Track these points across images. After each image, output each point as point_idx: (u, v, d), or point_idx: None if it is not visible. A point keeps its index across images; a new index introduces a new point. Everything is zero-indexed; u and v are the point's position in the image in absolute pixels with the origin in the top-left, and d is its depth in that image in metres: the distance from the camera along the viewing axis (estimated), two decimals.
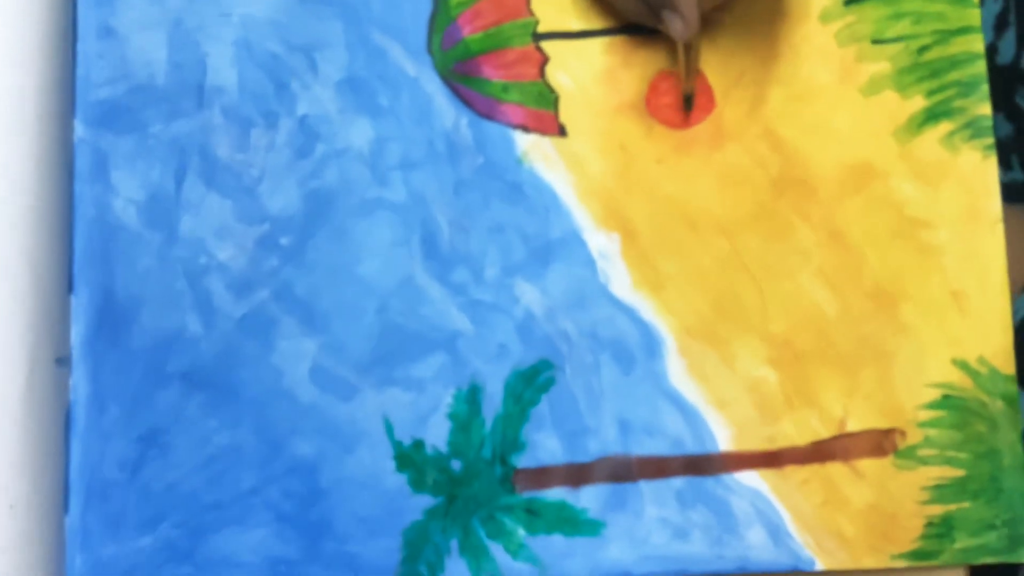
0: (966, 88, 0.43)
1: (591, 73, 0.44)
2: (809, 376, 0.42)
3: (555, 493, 0.42)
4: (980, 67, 0.44)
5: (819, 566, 0.42)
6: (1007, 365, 0.42)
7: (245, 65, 0.43)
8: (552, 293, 0.43)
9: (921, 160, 0.43)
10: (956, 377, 0.42)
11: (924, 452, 0.42)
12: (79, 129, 0.42)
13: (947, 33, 0.44)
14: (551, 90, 0.44)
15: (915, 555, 0.42)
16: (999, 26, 0.49)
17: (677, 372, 0.43)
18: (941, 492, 0.42)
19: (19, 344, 0.42)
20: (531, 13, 0.44)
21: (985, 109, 0.43)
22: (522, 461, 0.42)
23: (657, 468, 0.42)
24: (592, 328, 0.43)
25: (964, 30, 0.44)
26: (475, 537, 0.42)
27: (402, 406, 0.42)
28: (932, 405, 0.42)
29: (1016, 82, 0.48)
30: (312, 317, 0.42)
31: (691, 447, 0.42)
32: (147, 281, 0.42)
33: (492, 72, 0.44)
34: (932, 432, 0.42)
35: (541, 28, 0.44)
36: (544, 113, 0.43)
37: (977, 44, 0.44)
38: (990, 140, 0.43)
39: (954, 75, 0.44)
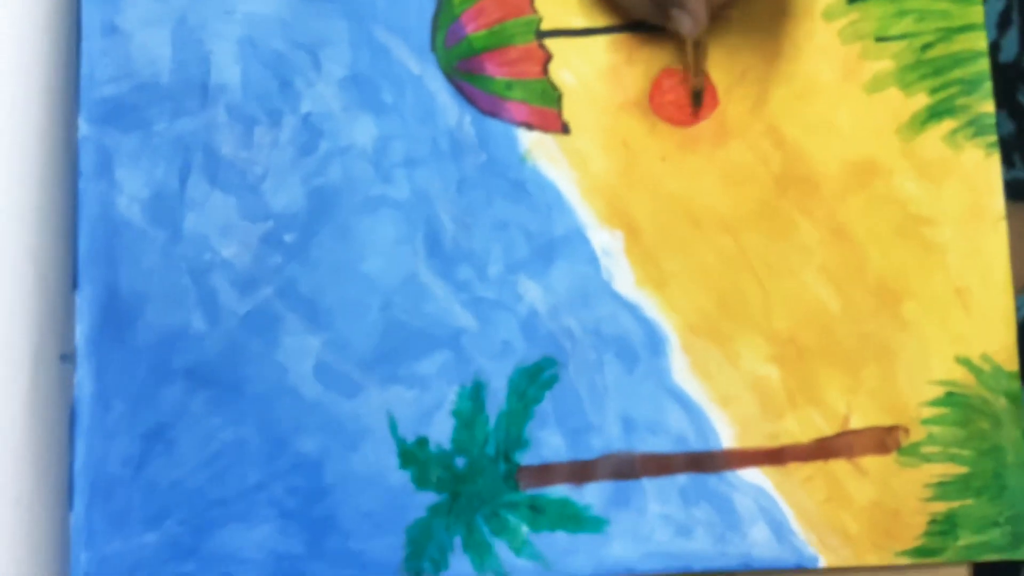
0: (969, 86, 0.44)
1: (594, 71, 0.44)
2: (812, 373, 0.42)
3: (558, 490, 0.42)
4: (983, 65, 0.44)
5: (822, 563, 0.42)
6: (1010, 362, 0.42)
7: (249, 63, 0.43)
8: (556, 290, 0.43)
9: (924, 158, 0.43)
10: (959, 374, 0.42)
11: (927, 449, 0.42)
12: (83, 127, 0.42)
13: (950, 31, 0.44)
14: (554, 88, 0.44)
15: (918, 552, 0.42)
16: (1002, 24, 0.49)
17: (680, 369, 0.43)
18: (944, 489, 0.42)
19: (24, 341, 0.42)
20: (534, 11, 0.44)
21: (988, 107, 0.43)
22: (526, 458, 0.42)
23: (660, 465, 0.42)
24: (595, 325, 0.43)
25: (967, 28, 0.44)
26: (479, 534, 0.42)
27: (406, 403, 0.42)
28: (935, 402, 0.42)
29: (1019, 80, 0.48)
30: (316, 314, 0.42)
31: (694, 444, 0.42)
32: (151, 278, 0.42)
33: (496, 70, 0.44)
34: (935, 429, 0.42)
35: (544, 26, 0.44)
36: (547, 111, 0.43)
37: (980, 42, 0.44)
38: (993, 138, 0.43)
39: (957, 73, 0.44)
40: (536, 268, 0.43)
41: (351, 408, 0.42)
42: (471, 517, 0.42)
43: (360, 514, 0.41)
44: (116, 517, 0.41)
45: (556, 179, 0.43)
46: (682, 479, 0.42)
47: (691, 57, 0.42)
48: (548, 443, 0.42)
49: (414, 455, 0.42)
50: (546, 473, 0.42)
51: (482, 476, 0.42)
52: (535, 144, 0.43)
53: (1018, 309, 0.43)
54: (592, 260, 0.43)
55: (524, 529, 0.42)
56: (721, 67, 0.44)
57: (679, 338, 0.43)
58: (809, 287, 0.43)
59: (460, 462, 0.42)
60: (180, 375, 0.42)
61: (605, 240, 0.43)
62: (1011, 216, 0.43)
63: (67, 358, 0.43)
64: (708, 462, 0.42)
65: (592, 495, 0.42)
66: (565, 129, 0.43)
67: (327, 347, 0.42)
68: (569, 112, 0.44)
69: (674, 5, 0.40)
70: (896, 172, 0.43)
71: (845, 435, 0.42)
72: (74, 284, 0.42)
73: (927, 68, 0.44)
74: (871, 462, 0.42)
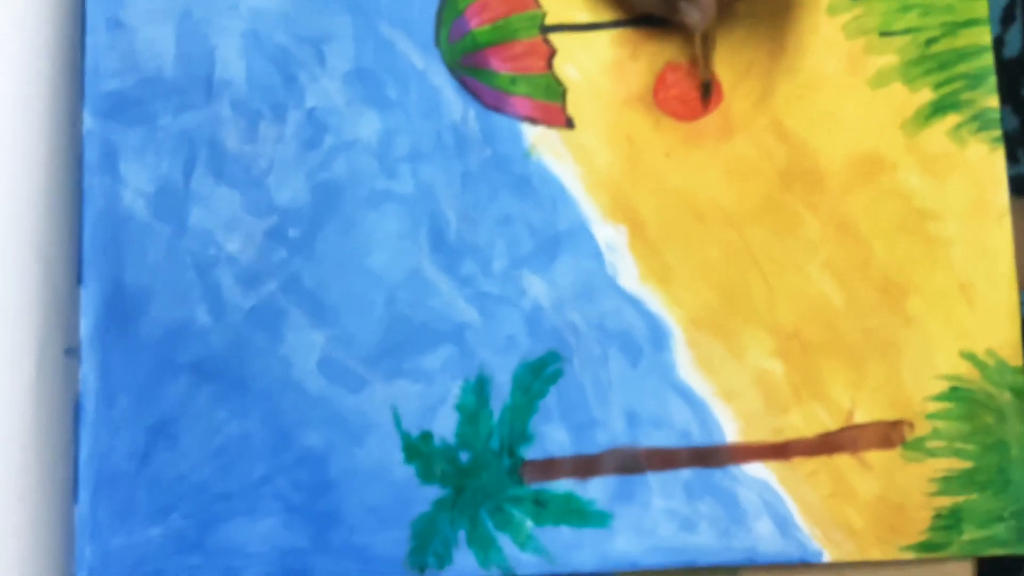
0: (974, 80, 0.43)
1: (599, 65, 0.44)
2: (817, 368, 0.42)
3: (563, 485, 0.42)
4: (988, 59, 0.44)
5: (827, 558, 0.42)
6: (1015, 357, 0.42)
7: (253, 57, 0.43)
8: (560, 285, 0.43)
9: (929, 152, 0.43)
10: (964, 369, 0.42)
11: (932, 444, 0.42)
12: (88, 121, 0.42)
13: (955, 25, 0.44)
14: (559, 82, 0.44)
15: (923, 547, 0.42)
16: (1006, 19, 0.49)
17: (685, 364, 0.43)
18: (949, 484, 0.42)
19: (28, 335, 0.42)
20: (538, 5, 0.44)
21: (993, 101, 0.43)
22: (530, 453, 0.42)
23: (665, 460, 0.42)
24: (600, 320, 0.43)
25: (971, 22, 0.44)
26: (483, 528, 0.42)
27: (410, 397, 0.42)
28: (940, 397, 0.42)
29: (1023, 75, 0.48)
30: (321, 309, 0.42)
31: (699, 439, 0.42)
32: (156, 273, 0.42)
33: (500, 64, 0.44)
34: (940, 424, 0.42)
35: (549, 20, 0.44)
36: (552, 105, 0.43)
37: (985, 36, 0.44)
38: (997, 132, 0.43)
39: (962, 67, 0.44)
40: (540, 263, 0.43)
41: (355, 402, 0.42)
42: (475, 511, 0.42)
43: (365, 508, 0.41)
44: (121, 511, 0.41)
45: (560, 174, 0.43)
46: (686, 474, 0.42)
47: (699, 50, 0.42)
48: (552, 437, 0.42)
49: (418, 449, 0.42)
50: (550, 467, 0.42)
51: (486, 470, 0.42)
52: (539, 139, 0.43)
53: (1023, 304, 0.43)
54: (596, 255, 0.43)
55: (528, 523, 0.42)
56: (725, 62, 0.44)
57: (683, 332, 0.43)
58: (813, 282, 0.43)
59: (464, 456, 0.42)
60: (185, 369, 0.42)
61: (609, 235, 0.43)
62: (1015, 211, 0.43)
63: (71, 352, 0.43)
64: (712, 456, 0.42)
65: (596, 490, 0.42)
66: (569, 124, 0.43)
67: (331, 341, 0.42)
68: (573, 107, 0.44)
69: None
70: (900, 167, 0.43)
71: (849, 430, 0.42)
72: (79, 278, 0.42)
73: (931, 63, 0.44)
74: (875, 457, 0.42)
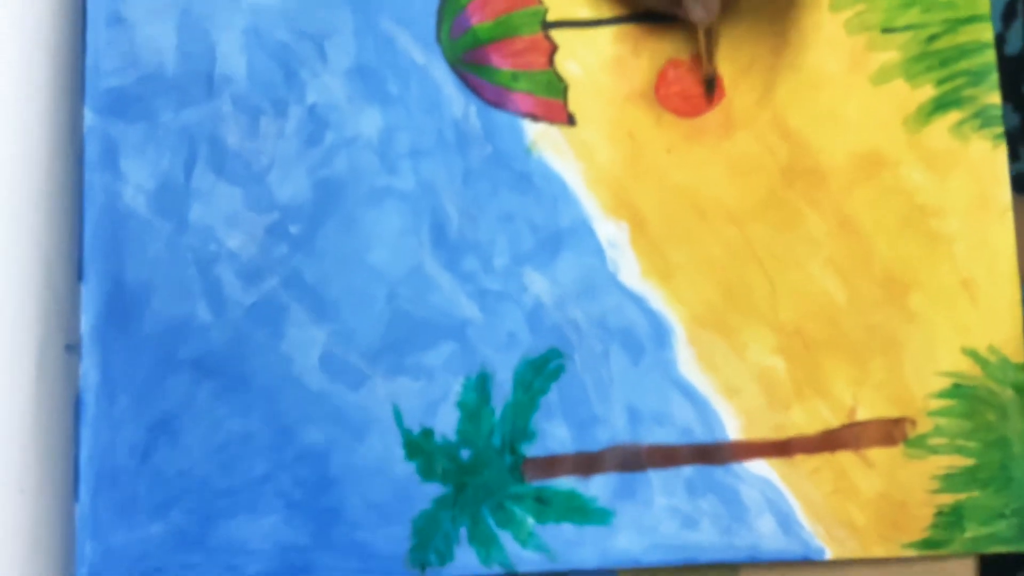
0: (975, 77, 0.43)
1: (600, 62, 0.44)
2: (819, 365, 0.42)
3: (564, 482, 0.42)
4: (989, 56, 0.44)
5: (829, 555, 0.42)
6: (1017, 354, 0.42)
7: (254, 53, 0.43)
8: (561, 282, 0.43)
9: (931, 149, 0.43)
10: (966, 366, 0.42)
11: (934, 441, 0.42)
12: (89, 117, 0.42)
13: (956, 22, 0.44)
14: (560, 79, 0.44)
15: (925, 544, 0.42)
16: (1007, 16, 0.48)
17: (686, 361, 0.42)
18: (951, 481, 0.42)
19: (29, 331, 0.42)
20: (540, 2, 0.44)
21: (994, 98, 0.43)
22: (531, 450, 0.42)
23: (666, 457, 0.42)
24: (601, 317, 0.43)
25: (973, 19, 0.44)
26: (484, 525, 0.42)
27: (411, 394, 0.42)
28: (942, 394, 0.42)
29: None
30: (322, 305, 0.42)
31: (700, 436, 0.42)
32: (157, 269, 0.42)
33: (501, 61, 0.44)
34: (942, 421, 0.42)
35: (550, 17, 0.44)
36: (553, 102, 0.43)
37: (986, 33, 0.44)
38: (999, 129, 0.43)
39: (963, 64, 0.44)
40: (542, 259, 0.43)
41: (357, 399, 0.42)
42: (477, 509, 0.42)
43: (366, 505, 0.41)
44: (122, 508, 0.41)
45: (562, 170, 0.43)
46: (688, 471, 0.42)
47: (702, 45, 0.42)
48: (554, 435, 0.42)
49: (420, 446, 0.42)
50: (552, 465, 0.42)
51: (488, 468, 0.42)
52: (541, 135, 0.43)
53: None
54: (598, 251, 0.43)
55: (530, 521, 0.42)
56: (727, 58, 0.44)
57: (685, 330, 0.43)
58: (815, 278, 0.43)
59: (465, 454, 0.42)
60: (186, 366, 0.42)
61: (611, 231, 0.43)
62: (1016, 208, 0.43)
63: (72, 349, 0.43)
64: (714, 454, 0.42)
65: (598, 487, 0.42)
66: (571, 120, 0.43)
67: (333, 338, 0.42)
68: (575, 103, 0.43)
69: None
70: (902, 163, 0.43)
71: (852, 427, 0.42)
72: (79, 275, 0.42)
73: (933, 59, 0.44)
74: (878, 454, 0.42)
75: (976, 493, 0.42)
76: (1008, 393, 0.42)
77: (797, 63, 0.44)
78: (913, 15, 0.44)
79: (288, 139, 0.43)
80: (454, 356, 0.42)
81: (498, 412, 0.42)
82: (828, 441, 0.42)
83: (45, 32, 0.43)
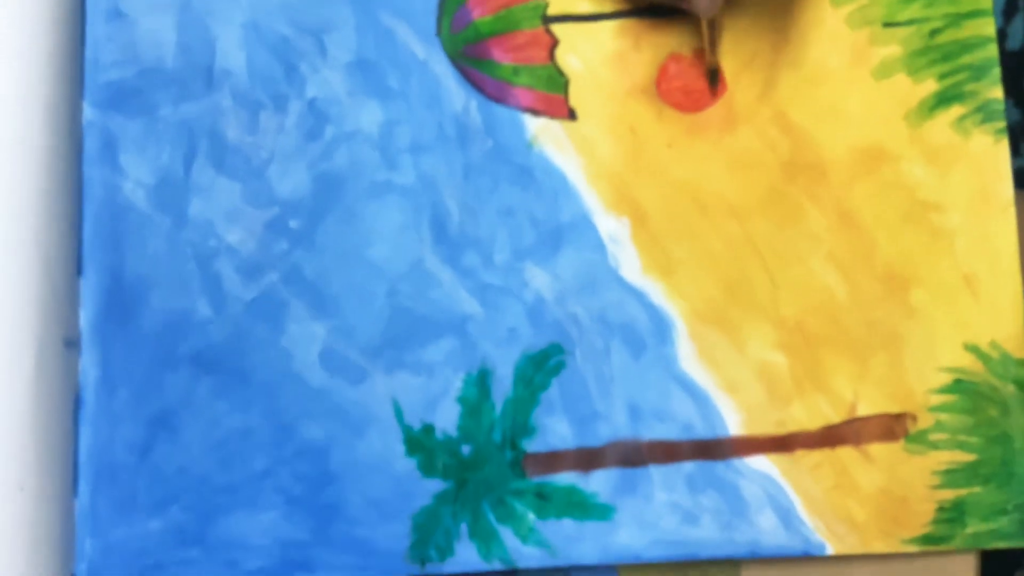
0: (977, 72, 0.43)
1: (601, 56, 0.44)
2: (820, 360, 0.42)
3: (565, 477, 0.42)
4: (992, 51, 0.43)
5: (830, 550, 0.42)
6: (1019, 349, 0.42)
7: (254, 47, 0.43)
8: (562, 277, 0.43)
9: (932, 144, 0.43)
10: (967, 361, 0.42)
11: (935, 436, 0.42)
12: (88, 111, 0.42)
13: (958, 16, 0.44)
14: (561, 73, 0.43)
15: (926, 540, 0.42)
16: (1008, 12, 0.48)
17: (687, 356, 0.42)
18: (952, 477, 0.42)
19: (28, 326, 0.42)
20: None
21: (996, 93, 0.43)
22: (532, 445, 0.42)
23: (667, 452, 0.42)
24: (602, 312, 0.42)
25: (975, 13, 0.44)
26: (485, 521, 0.41)
27: (412, 390, 0.42)
28: (943, 389, 0.42)
29: None
30: (322, 300, 0.42)
31: (701, 431, 0.42)
32: (156, 264, 0.42)
33: (502, 55, 0.43)
34: (943, 416, 0.42)
35: (551, 11, 0.44)
36: (554, 96, 0.43)
37: (988, 27, 0.43)
38: (1002, 124, 0.43)
39: (966, 59, 0.43)
40: (542, 255, 0.43)
41: (357, 395, 0.42)
42: (477, 504, 0.42)
43: (366, 501, 0.41)
44: (121, 503, 0.41)
45: (563, 165, 0.43)
46: (689, 466, 0.42)
47: (705, 37, 0.42)
48: (554, 430, 0.42)
49: (420, 442, 0.42)
50: (552, 460, 0.42)
51: (488, 463, 0.42)
52: (541, 130, 0.43)
53: None
54: (599, 247, 0.43)
55: (530, 516, 0.42)
56: (729, 53, 0.44)
57: (686, 325, 0.42)
58: (817, 274, 0.43)
59: (466, 449, 0.42)
60: (185, 361, 0.41)
61: (612, 227, 0.43)
62: (1018, 203, 0.43)
63: (71, 344, 0.43)
64: (715, 449, 0.42)
65: (599, 482, 0.42)
66: (572, 115, 0.43)
67: (333, 333, 0.42)
68: (576, 98, 0.43)
69: None
70: (904, 158, 0.43)
71: (852, 422, 0.42)
72: (78, 269, 0.42)
73: (935, 54, 0.43)
74: (879, 449, 0.42)
75: (977, 489, 0.42)
76: (1010, 389, 0.42)
77: (799, 58, 0.43)
78: (915, 9, 0.44)
79: (288, 134, 0.43)
80: (455, 352, 0.42)
81: (499, 408, 0.42)
82: (829, 437, 0.42)
83: (44, 26, 0.43)
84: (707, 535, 0.42)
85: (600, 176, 0.43)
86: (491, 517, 0.42)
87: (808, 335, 0.42)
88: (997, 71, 0.43)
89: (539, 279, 0.42)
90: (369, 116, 0.43)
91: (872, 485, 0.42)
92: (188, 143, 0.42)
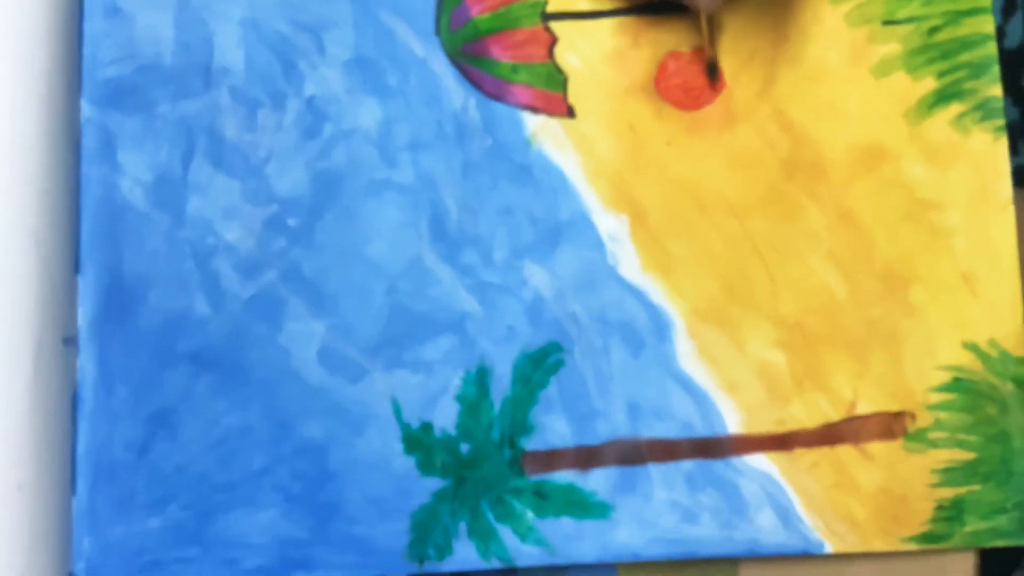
0: (977, 69, 0.43)
1: (600, 54, 0.43)
2: (819, 359, 0.42)
3: (564, 476, 0.42)
4: (991, 48, 0.43)
5: (829, 549, 0.42)
6: (1018, 347, 0.42)
7: (252, 45, 0.43)
8: (561, 275, 0.43)
9: (932, 142, 0.43)
10: (966, 360, 0.42)
11: (934, 435, 0.42)
12: (86, 109, 0.42)
13: (958, 14, 0.44)
14: (560, 71, 0.43)
15: (925, 538, 0.42)
16: (1007, 10, 0.48)
17: (686, 355, 0.42)
18: (951, 475, 0.42)
19: (26, 324, 0.42)
20: None
21: (996, 91, 0.43)
22: (531, 444, 0.42)
23: (666, 451, 0.42)
24: (601, 310, 0.42)
25: (974, 11, 0.43)
26: (484, 520, 0.41)
27: (410, 388, 0.42)
28: (942, 388, 0.42)
29: (1023, 66, 0.48)
30: (320, 298, 0.42)
31: (700, 430, 0.42)
32: (154, 262, 0.42)
33: (501, 53, 0.43)
34: (942, 415, 0.42)
35: (550, 8, 0.44)
36: (553, 94, 0.43)
37: (987, 25, 0.43)
38: (1001, 122, 0.43)
39: (965, 56, 0.43)
40: (541, 253, 0.43)
41: (356, 393, 0.42)
42: (476, 503, 0.41)
43: (365, 499, 0.41)
44: (119, 502, 0.41)
45: (562, 163, 0.43)
46: (688, 465, 0.42)
47: (705, 31, 0.42)
48: (553, 429, 0.42)
49: (419, 440, 0.42)
50: (551, 459, 0.42)
51: (487, 462, 0.42)
52: (540, 128, 0.43)
53: None
54: (598, 245, 0.43)
55: (529, 515, 0.41)
56: (728, 50, 0.43)
57: (685, 323, 0.42)
58: (816, 272, 0.43)
59: (465, 448, 0.42)
60: (184, 359, 0.41)
61: (611, 225, 0.43)
62: (1017, 202, 0.43)
63: (70, 342, 0.43)
64: (714, 448, 0.42)
65: (598, 481, 0.42)
66: (570, 113, 0.43)
67: (331, 331, 0.42)
68: (574, 95, 0.43)
69: None
70: (903, 156, 0.43)
71: (852, 421, 0.42)
72: (76, 267, 0.42)
73: (934, 52, 0.43)
74: (878, 448, 0.42)
75: (976, 487, 0.42)
76: (1009, 387, 0.42)
77: (798, 56, 0.43)
78: (914, 7, 0.44)
79: (286, 131, 0.43)
80: (453, 350, 0.42)
81: (497, 406, 0.42)
82: (828, 435, 0.42)
83: (42, 23, 0.43)
84: (706, 533, 0.42)
85: (599, 174, 0.43)
86: (490, 516, 0.41)
87: (807, 333, 0.42)
88: (996, 69, 0.43)
89: (538, 277, 0.42)
90: (368, 114, 0.43)
91: (871, 484, 0.42)
92: (186, 141, 0.42)
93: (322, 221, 0.42)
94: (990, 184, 0.43)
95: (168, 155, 0.42)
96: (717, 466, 0.42)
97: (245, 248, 0.42)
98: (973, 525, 0.42)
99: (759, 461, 0.42)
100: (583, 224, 0.43)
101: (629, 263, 0.43)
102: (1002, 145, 0.43)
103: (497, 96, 0.43)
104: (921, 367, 0.42)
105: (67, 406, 0.42)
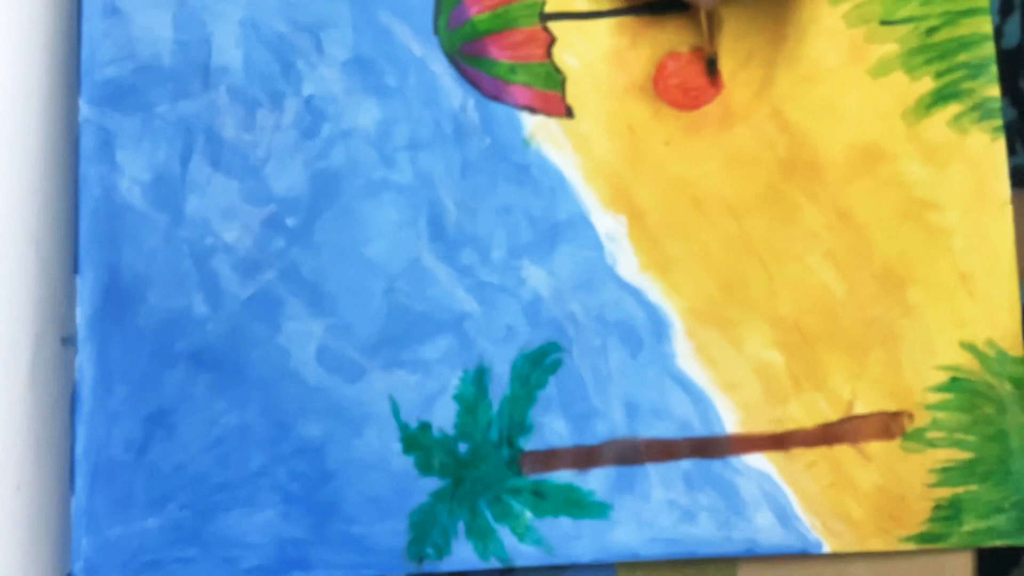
0: (975, 70, 0.43)
1: (598, 54, 0.44)
2: (817, 359, 0.42)
3: (562, 475, 0.42)
4: (989, 48, 0.43)
5: (827, 548, 0.42)
6: (1015, 347, 0.42)
7: (251, 45, 0.43)
8: (559, 275, 0.43)
9: (929, 142, 0.43)
10: (964, 359, 0.42)
11: (932, 435, 0.42)
12: (84, 109, 0.42)
13: (955, 14, 0.44)
14: (558, 71, 0.43)
15: (923, 538, 0.42)
16: (1004, 10, 0.48)
17: (684, 355, 0.42)
18: (949, 475, 0.42)
19: (24, 324, 0.42)
20: None
21: (994, 91, 0.43)
22: (529, 443, 0.42)
23: (664, 451, 0.42)
24: (599, 310, 0.42)
25: (972, 11, 0.44)
26: (482, 519, 0.41)
27: (409, 388, 0.42)
28: (940, 387, 0.42)
29: (1021, 67, 0.48)
30: (319, 298, 0.42)
31: (698, 430, 0.42)
32: (153, 261, 0.42)
33: (499, 53, 0.43)
34: (940, 415, 0.42)
35: (548, 8, 0.44)
36: (551, 94, 0.43)
37: (985, 25, 0.43)
38: (998, 122, 0.43)
39: (963, 56, 0.43)
40: (540, 253, 0.43)
41: (354, 393, 0.42)
42: (474, 503, 0.42)
43: (363, 499, 0.41)
44: (118, 501, 0.41)
45: (560, 163, 0.43)
46: (686, 464, 0.42)
47: (705, 27, 0.42)
48: (551, 428, 0.42)
49: (417, 440, 0.42)
50: (550, 458, 0.42)
51: (485, 462, 0.42)
52: (539, 128, 0.43)
53: (1023, 294, 0.43)
54: (596, 245, 0.43)
55: (528, 515, 0.42)
56: (726, 50, 0.43)
57: (683, 323, 0.42)
58: (814, 272, 0.43)
59: (463, 447, 0.42)
60: (182, 359, 0.41)
61: (609, 225, 0.43)
62: (1014, 202, 0.43)
63: (68, 341, 0.43)
64: (712, 447, 0.42)
65: (596, 481, 0.42)
66: (569, 113, 0.43)
67: (330, 331, 0.42)
68: (573, 96, 0.43)
69: None
70: (901, 156, 0.43)
71: (849, 420, 0.42)
72: (75, 267, 0.42)
73: (932, 52, 0.43)
74: (875, 447, 0.42)
75: (974, 487, 0.42)
76: (1006, 387, 0.42)
77: (796, 56, 0.43)
78: (912, 7, 0.44)
79: (285, 131, 0.43)
80: (452, 349, 0.42)
81: (496, 406, 0.42)
82: (826, 435, 0.42)
83: (40, 23, 0.43)
84: (704, 533, 0.42)
85: (597, 174, 0.43)
86: (488, 515, 0.41)
87: (805, 333, 0.42)
88: (994, 69, 0.43)
89: (536, 277, 0.42)
90: (366, 114, 0.43)
91: (869, 483, 0.42)
92: (185, 140, 0.42)
93: (321, 221, 0.42)
94: (988, 184, 0.43)
95: (167, 155, 0.42)
96: (715, 466, 0.42)
97: (244, 248, 0.42)
98: (971, 525, 0.42)
99: (757, 461, 0.42)
100: (581, 224, 0.43)
101: (627, 263, 0.43)
102: (1000, 145, 0.43)
103: (495, 96, 0.43)
104: (919, 367, 0.42)
105: (66, 405, 0.42)
